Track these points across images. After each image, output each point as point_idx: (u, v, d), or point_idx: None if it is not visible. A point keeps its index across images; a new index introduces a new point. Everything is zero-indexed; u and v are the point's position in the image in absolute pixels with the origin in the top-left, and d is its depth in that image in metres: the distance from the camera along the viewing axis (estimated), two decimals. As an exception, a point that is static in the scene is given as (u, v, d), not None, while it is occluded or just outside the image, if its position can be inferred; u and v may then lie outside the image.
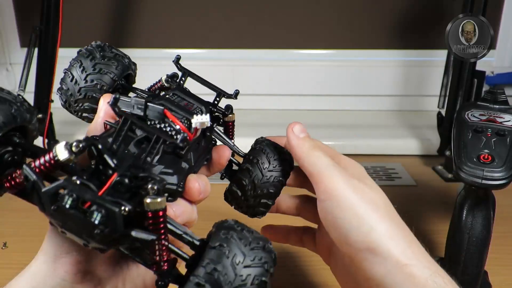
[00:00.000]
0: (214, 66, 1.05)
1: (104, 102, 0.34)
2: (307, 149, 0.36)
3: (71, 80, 0.37)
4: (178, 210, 0.33)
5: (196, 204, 0.35)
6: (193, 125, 0.32)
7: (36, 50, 0.77)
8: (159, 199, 0.26)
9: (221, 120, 0.40)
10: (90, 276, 0.34)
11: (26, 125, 0.31)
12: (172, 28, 1.08)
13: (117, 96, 0.30)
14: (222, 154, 0.38)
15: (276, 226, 0.46)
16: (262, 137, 0.42)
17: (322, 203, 0.35)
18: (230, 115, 0.40)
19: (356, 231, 0.33)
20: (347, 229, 0.33)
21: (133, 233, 0.26)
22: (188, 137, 0.31)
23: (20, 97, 0.32)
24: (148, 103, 0.32)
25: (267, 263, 0.27)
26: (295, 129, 0.38)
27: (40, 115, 0.76)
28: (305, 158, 0.36)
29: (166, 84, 0.40)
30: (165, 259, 0.28)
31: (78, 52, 0.38)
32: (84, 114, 0.38)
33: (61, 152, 0.27)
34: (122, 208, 0.25)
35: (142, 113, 0.32)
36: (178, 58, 0.40)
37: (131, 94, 0.38)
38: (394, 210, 0.35)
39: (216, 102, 0.40)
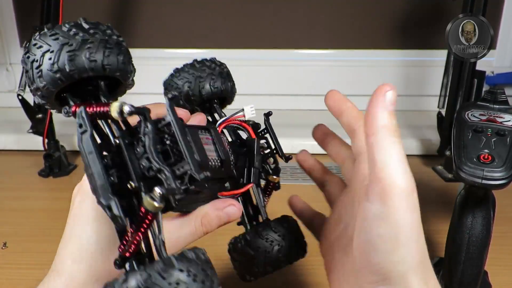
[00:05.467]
0: (214, 66, 1.05)
1: None
2: (381, 137, 0.29)
3: None
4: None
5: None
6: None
7: (36, 50, 0.77)
8: (156, 204, 0.25)
9: (264, 177, 0.41)
10: None
11: None
12: (172, 28, 1.08)
13: None
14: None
15: (298, 198, 0.45)
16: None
17: (368, 204, 0.29)
18: (275, 177, 0.41)
19: (387, 255, 0.28)
20: (376, 247, 0.28)
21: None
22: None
23: None
24: None
25: None
26: (385, 101, 0.30)
27: (40, 115, 0.76)
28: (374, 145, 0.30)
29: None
30: (131, 250, 0.26)
31: None
32: None
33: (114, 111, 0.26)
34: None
35: None
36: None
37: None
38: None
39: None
